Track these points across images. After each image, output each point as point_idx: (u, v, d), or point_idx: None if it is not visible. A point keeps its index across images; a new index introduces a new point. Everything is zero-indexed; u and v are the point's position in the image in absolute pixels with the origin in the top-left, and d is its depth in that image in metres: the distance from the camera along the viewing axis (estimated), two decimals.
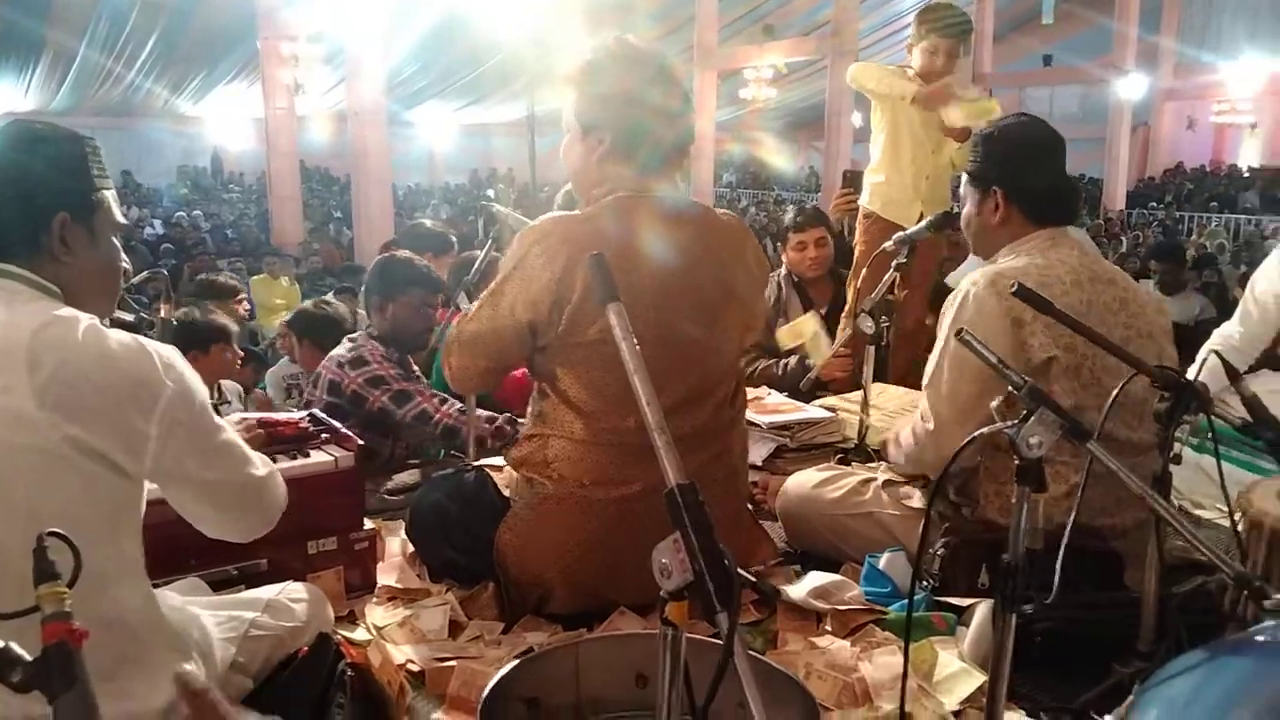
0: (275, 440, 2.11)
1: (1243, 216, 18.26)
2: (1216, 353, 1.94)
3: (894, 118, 3.59)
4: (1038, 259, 2.08)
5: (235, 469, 1.49)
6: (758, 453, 2.90)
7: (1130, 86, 18.24)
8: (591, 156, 1.98)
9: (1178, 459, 1.72)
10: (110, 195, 1.47)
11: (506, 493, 2.10)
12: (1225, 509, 1.85)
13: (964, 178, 2.26)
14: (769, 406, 3.06)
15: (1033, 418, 1.26)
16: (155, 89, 17.57)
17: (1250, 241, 15.54)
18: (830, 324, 3.70)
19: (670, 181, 2.03)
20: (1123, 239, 14.33)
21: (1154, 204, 20.23)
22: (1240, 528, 1.89)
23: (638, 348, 1.13)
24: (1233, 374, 1.84)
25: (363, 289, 3.89)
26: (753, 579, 2.03)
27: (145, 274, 2.44)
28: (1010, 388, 1.32)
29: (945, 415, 2.08)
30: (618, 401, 1.88)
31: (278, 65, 11.69)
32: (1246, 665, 1.03)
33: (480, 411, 3.03)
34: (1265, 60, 20.80)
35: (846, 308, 3.66)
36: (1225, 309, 5.20)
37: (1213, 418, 1.72)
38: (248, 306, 6.54)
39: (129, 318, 1.99)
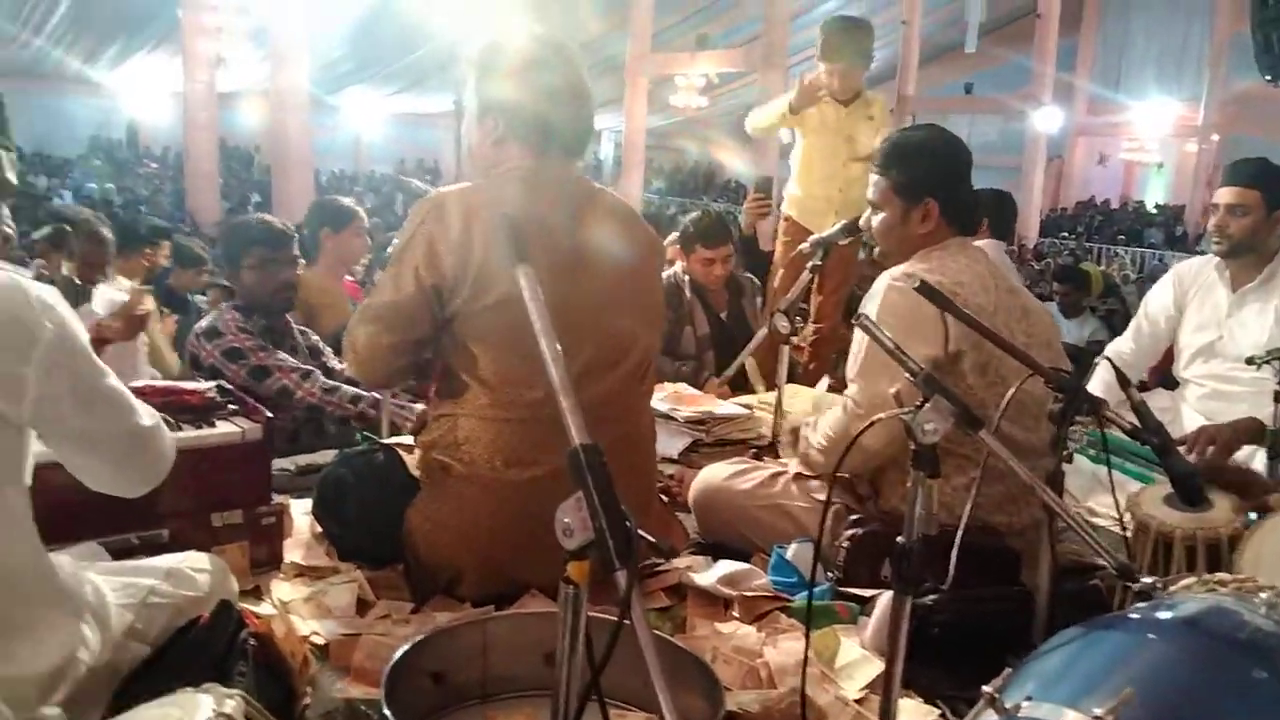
0: (180, 409, 2.07)
1: (1148, 251, 19.07)
2: (1108, 359, 2.04)
3: (804, 135, 3.80)
4: (949, 263, 2.16)
5: (119, 417, 1.44)
6: (673, 446, 2.94)
7: (1046, 119, 18.91)
8: (487, 140, 2.02)
9: (1069, 458, 1.80)
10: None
11: (416, 474, 2.08)
12: (1117, 516, 1.94)
13: (881, 186, 2.29)
14: (686, 399, 3.10)
15: (928, 404, 1.31)
16: (66, 56, 16.86)
17: (1154, 275, 16.22)
18: (733, 330, 3.86)
19: (567, 171, 2.04)
20: (1034, 265, 14.82)
21: (1065, 234, 20.97)
22: (1129, 531, 1.99)
23: (544, 309, 1.15)
24: (1123, 380, 1.94)
25: None
26: (651, 538, 2.05)
27: (48, 229, 2.35)
28: (907, 374, 1.37)
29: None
30: (524, 371, 1.88)
31: (199, 37, 11.36)
32: (1120, 638, 1.09)
33: (345, 387, 2.97)
34: (1171, 103, 21.80)
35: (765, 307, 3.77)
36: (1119, 334, 5.49)
37: (1104, 423, 1.81)
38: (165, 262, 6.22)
39: (27, 273, 1.92)
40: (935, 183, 2.22)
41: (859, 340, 2.17)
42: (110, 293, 3.07)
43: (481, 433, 1.95)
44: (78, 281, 2.08)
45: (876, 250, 2.37)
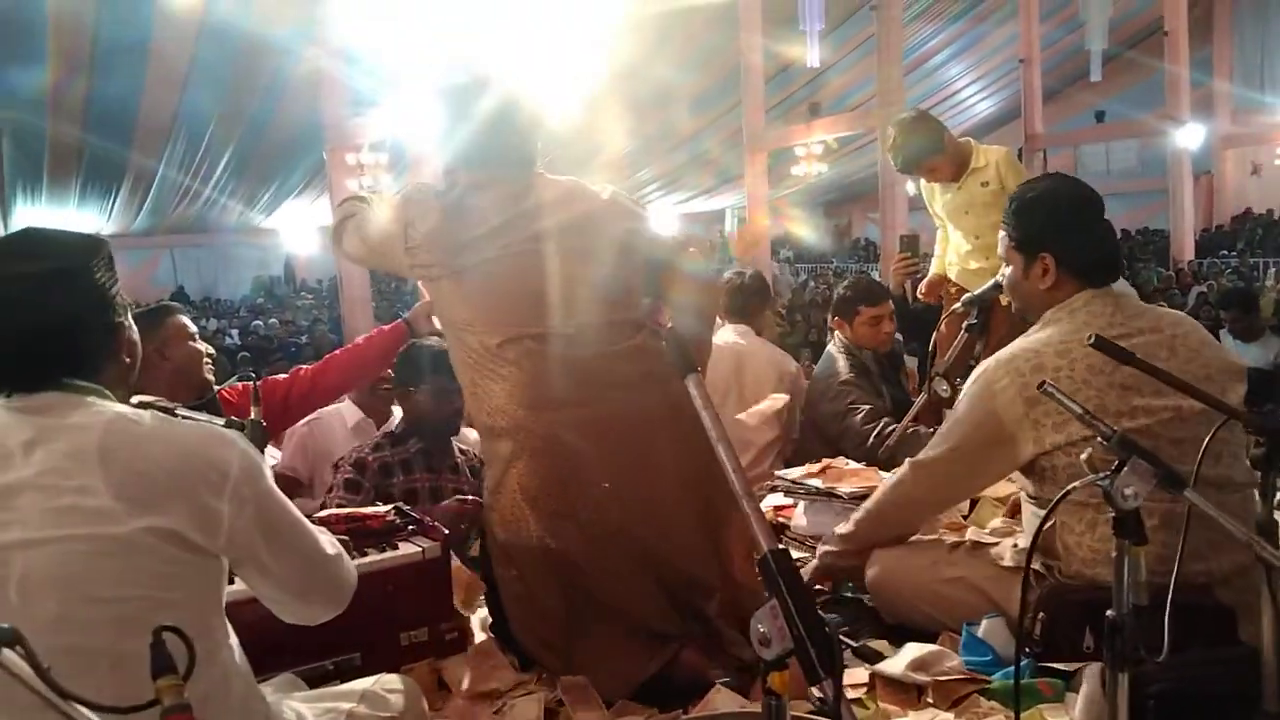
0: (364, 534, 2.16)
1: None
2: None
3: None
4: (1065, 326, 2.06)
5: (303, 548, 1.51)
6: (840, 526, 2.85)
7: (1188, 136, 17.99)
8: (443, 167, 2.37)
9: None
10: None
11: None
12: None
13: (1005, 242, 2.22)
14: (846, 475, 3.02)
15: (1125, 468, 1.24)
16: (230, 204, 18.34)
17: None
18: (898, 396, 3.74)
19: (509, 174, 2.26)
20: (1194, 289, 14.00)
21: (1224, 251, 19.78)
22: None
23: (718, 416, 1.15)
24: None
25: None
26: (853, 644, 2.01)
27: (235, 378, 2.52)
28: (1100, 438, 1.30)
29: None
30: (499, 310, 2.16)
31: (344, 174, 12.13)
32: None
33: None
34: None
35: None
36: None
37: None
38: None
39: (219, 421, 2.04)
40: (1049, 236, 2.11)
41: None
42: None
43: (496, 388, 2.14)
44: (264, 424, 2.21)
45: (1014, 306, 2.29)
